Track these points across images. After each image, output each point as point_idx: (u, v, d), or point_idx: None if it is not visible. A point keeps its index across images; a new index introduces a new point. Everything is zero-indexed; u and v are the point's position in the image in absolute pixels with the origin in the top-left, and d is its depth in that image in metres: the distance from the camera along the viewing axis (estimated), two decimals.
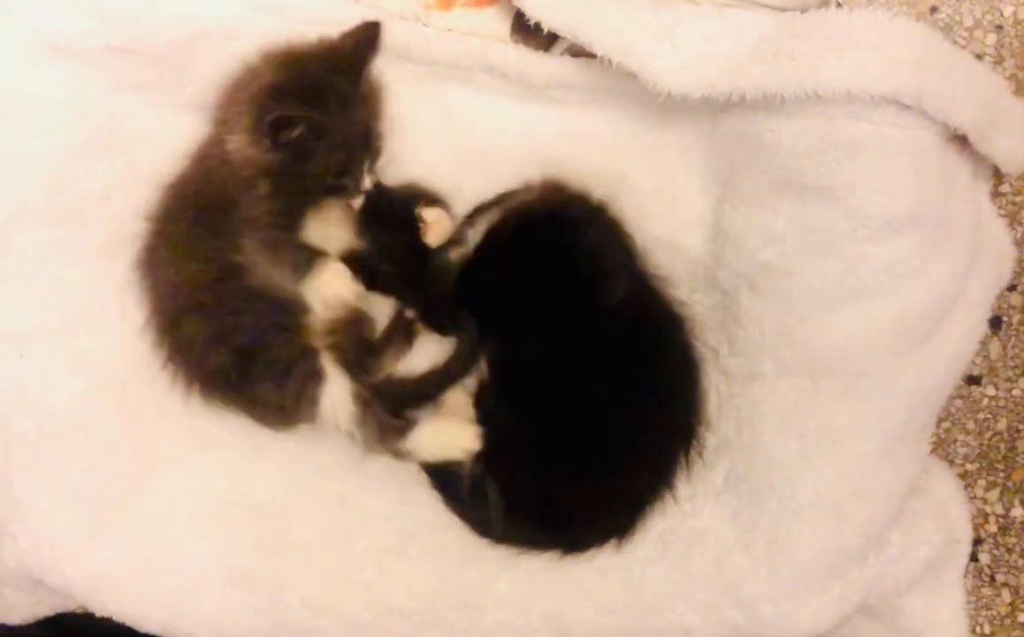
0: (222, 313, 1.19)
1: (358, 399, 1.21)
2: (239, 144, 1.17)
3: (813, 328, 1.14)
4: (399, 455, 1.24)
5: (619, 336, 1.18)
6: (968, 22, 1.26)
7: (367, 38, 1.20)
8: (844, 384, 1.14)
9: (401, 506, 1.29)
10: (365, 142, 1.20)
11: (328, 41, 1.20)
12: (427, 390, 1.30)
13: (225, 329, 1.19)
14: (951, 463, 1.34)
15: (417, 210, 1.23)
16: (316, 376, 1.20)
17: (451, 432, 1.25)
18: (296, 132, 1.13)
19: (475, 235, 1.23)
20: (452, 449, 1.24)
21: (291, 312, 1.21)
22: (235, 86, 1.20)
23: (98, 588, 1.23)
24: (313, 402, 1.20)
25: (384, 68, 1.22)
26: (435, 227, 1.23)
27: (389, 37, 1.20)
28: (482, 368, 1.30)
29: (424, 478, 1.30)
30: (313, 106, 1.14)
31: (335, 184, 1.19)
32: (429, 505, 1.29)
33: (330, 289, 1.21)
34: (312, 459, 1.30)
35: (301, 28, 1.21)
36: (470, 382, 1.31)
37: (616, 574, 1.24)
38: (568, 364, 1.18)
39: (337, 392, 1.20)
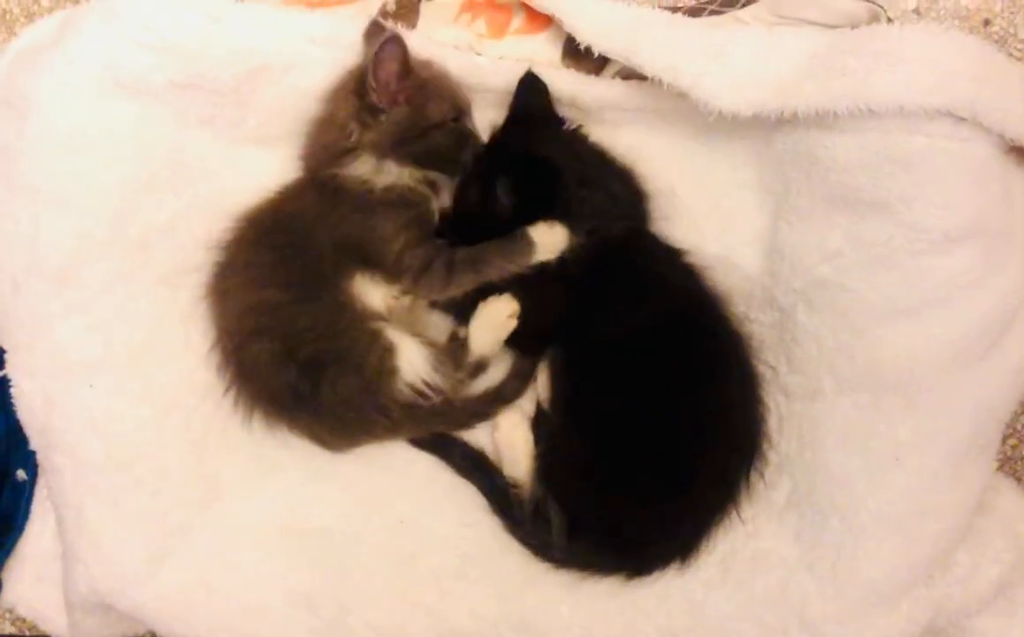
0: (288, 332, 1.22)
1: (430, 349, 1.26)
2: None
3: (872, 343, 1.13)
4: (475, 375, 1.31)
5: (682, 354, 1.18)
6: (1023, 34, 1.25)
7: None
8: (906, 399, 1.13)
9: (462, 529, 1.30)
10: None
11: None
12: (483, 410, 1.32)
13: (290, 347, 1.22)
14: (1019, 481, 1.31)
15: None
16: (390, 349, 1.23)
17: (496, 311, 1.27)
18: None
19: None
20: (503, 324, 1.28)
21: (350, 309, 1.24)
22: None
23: (165, 612, 1.25)
24: (392, 372, 1.23)
25: None
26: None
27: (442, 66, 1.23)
28: (540, 389, 1.31)
29: (484, 502, 1.31)
30: None
31: None
32: (490, 528, 1.30)
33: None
34: (372, 483, 1.32)
35: (356, 59, 1.24)
36: (528, 405, 1.32)
37: (678, 597, 1.23)
38: (631, 383, 1.18)
39: (412, 353, 1.24)
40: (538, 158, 1.21)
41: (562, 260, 1.21)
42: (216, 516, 1.28)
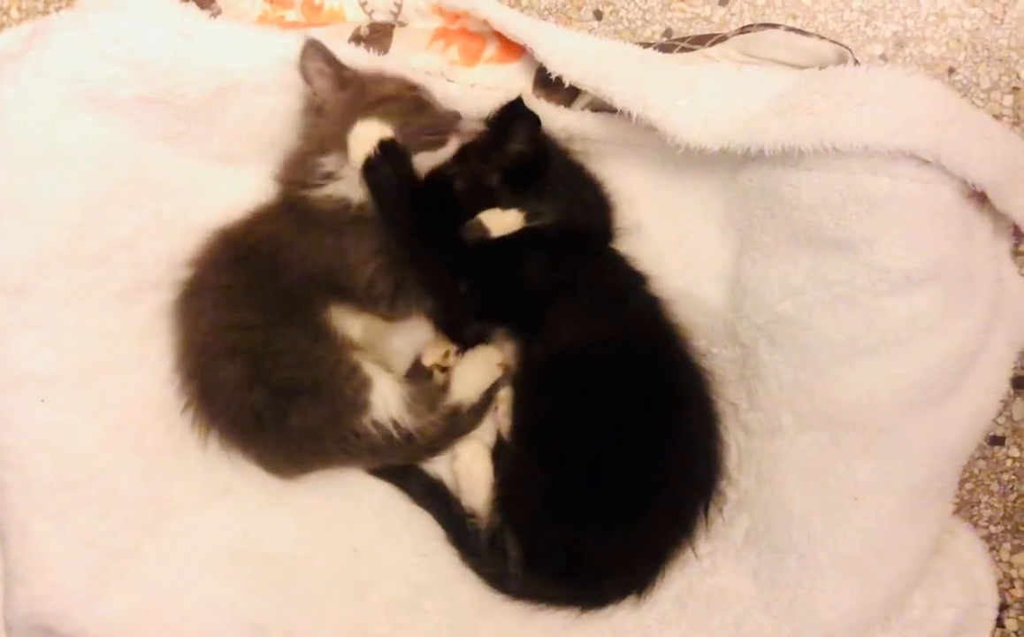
0: (261, 355, 1.21)
1: (406, 387, 1.25)
2: None
3: (832, 382, 1.14)
4: (451, 420, 1.29)
5: (642, 388, 1.18)
6: (985, 84, 1.28)
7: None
8: (865, 439, 1.13)
9: (416, 558, 1.29)
10: None
11: None
12: (440, 444, 1.30)
13: (261, 370, 1.20)
14: (975, 525, 1.32)
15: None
16: (366, 383, 1.22)
17: (483, 358, 1.29)
18: None
19: None
20: (489, 371, 1.29)
21: (328, 338, 1.24)
22: None
23: None
24: (364, 407, 1.22)
25: None
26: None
27: None
28: (500, 420, 1.30)
29: (440, 531, 1.29)
30: None
31: None
32: (445, 558, 1.28)
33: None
34: (327, 509, 1.30)
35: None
36: (488, 436, 1.31)
37: (633, 632, 1.22)
38: (590, 416, 1.17)
39: (387, 389, 1.23)
40: (534, 137, 1.20)
41: (527, 235, 1.20)
42: (165, 539, 1.25)
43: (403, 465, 1.31)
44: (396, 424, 1.23)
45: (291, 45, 1.22)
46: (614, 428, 1.17)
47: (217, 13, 1.25)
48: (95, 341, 1.23)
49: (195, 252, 1.26)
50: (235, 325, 1.22)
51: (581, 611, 1.22)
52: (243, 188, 1.29)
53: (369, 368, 1.24)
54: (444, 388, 1.29)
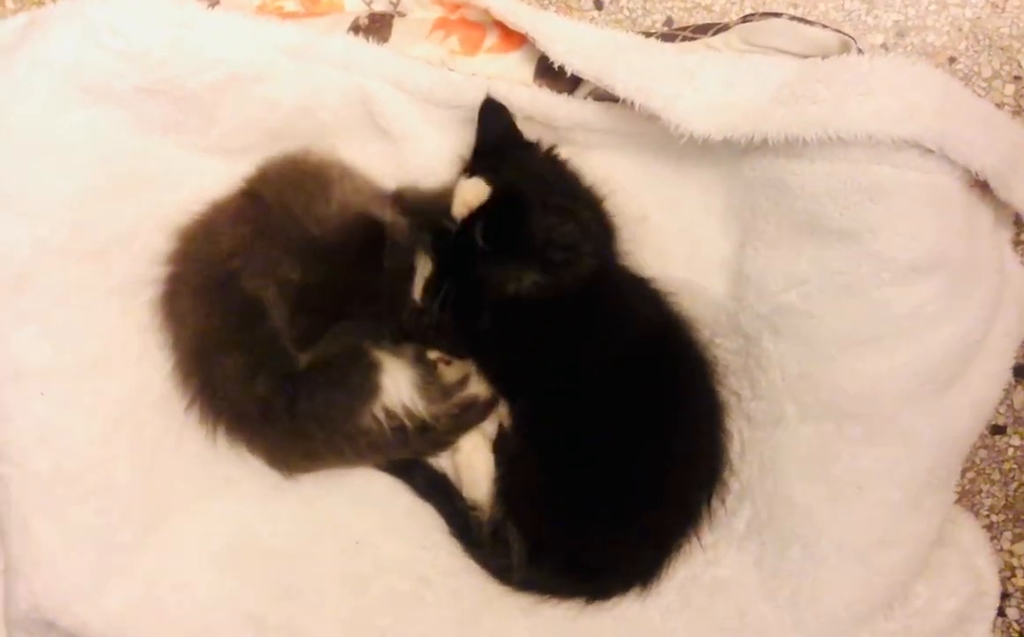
0: (257, 347, 1.20)
1: (417, 371, 1.25)
2: None
3: (836, 371, 1.14)
4: (465, 411, 1.28)
5: (646, 378, 1.18)
6: (987, 73, 1.27)
7: None
8: (868, 428, 1.13)
9: (419, 551, 1.29)
10: None
11: None
12: (444, 438, 1.30)
13: (263, 360, 1.20)
14: (976, 514, 1.33)
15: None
16: (375, 366, 1.22)
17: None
18: None
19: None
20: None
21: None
22: None
23: (110, 632, 1.20)
24: (374, 391, 1.22)
25: (409, 111, 1.23)
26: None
27: (413, 81, 1.22)
28: (501, 412, 1.29)
29: (443, 523, 1.29)
30: None
31: None
32: (448, 550, 1.28)
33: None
34: (328, 502, 1.30)
35: (327, 73, 1.23)
36: (489, 427, 1.31)
37: (637, 623, 1.22)
38: (594, 405, 1.17)
39: (397, 372, 1.23)
40: (505, 195, 1.18)
41: (531, 299, 1.18)
42: (165, 533, 1.25)
43: (407, 459, 1.31)
44: (408, 411, 1.23)
45: (289, 35, 1.21)
46: (617, 418, 1.16)
47: (215, 3, 1.23)
48: (94, 335, 1.22)
49: (171, 249, 1.26)
50: (214, 329, 1.21)
51: (586, 603, 1.22)
52: (242, 179, 1.28)
53: (378, 352, 1.23)
54: (461, 382, 1.29)
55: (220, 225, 1.24)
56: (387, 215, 1.22)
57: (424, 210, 1.25)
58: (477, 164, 1.22)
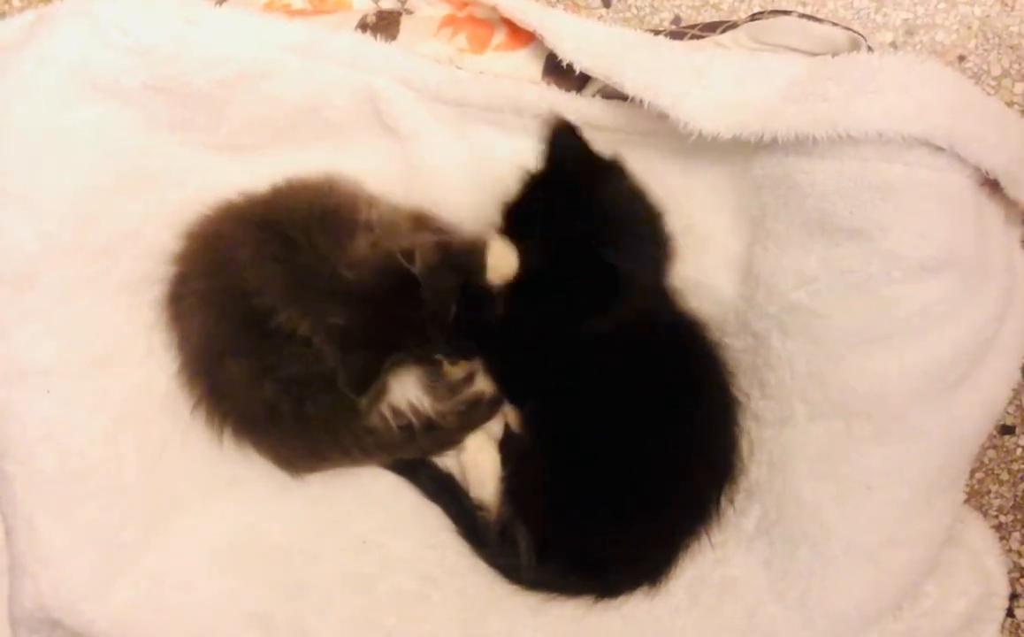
0: (265, 353, 1.20)
1: (419, 366, 1.24)
2: None
3: (845, 370, 1.13)
4: (472, 408, 1.28)
5: (657, 375, 1.17)
6: (996, 72, 1.27)
7: None
8: (878, 428, 1.13)
9: (425, 550, 1.28)
10: None
11: None
12: (449, 438, 1.30)
13: (270, 365, 1.19)
14: (985, 514, 1.32)
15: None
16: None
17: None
18: None
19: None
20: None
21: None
22: None
23: (116, 630, 1.20)
24: (380, 391, 1.22)
25: (416, 109, 1.23)
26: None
27: (421, 79, 1.22)
28: (508, 411, 1.29)
29: (449, 522, 1.29)
30: None
31: None
32: (454, 549, 1.28)
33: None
34: (334, 500, 1.30)
35: (334, 70, 1.22)
36: (495, 426, 1.31)
37: (645, 623, 1.22)
38: (604, 405, 1.16)
39: (403, 372, 1.23)
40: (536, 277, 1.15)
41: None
42: (171, 532, 1.25)
43: (414, 459, 1.31)
44: (415, 408, 1.22)
45: (297, 33, 1.21)
46: (627, 416, 1.15)
47: (222, 0, 1.23)
48: (100, 333, 1.22)
49: (178, 250, 1.25)
50: (221, 333, 1.21)
51: (594, 602, 1.22)
52: (249, 178, 1.28)
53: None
54: (466, 379, 1.28)
55: (233, 242, 1.22)
56: (418, 265, 1.18)
57: (456, 264, 1.22)
58: (510, 224, 1.18)
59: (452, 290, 1.20)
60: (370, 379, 1.17)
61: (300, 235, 1.19)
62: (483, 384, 1.29)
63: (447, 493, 1.29)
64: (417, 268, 1.16)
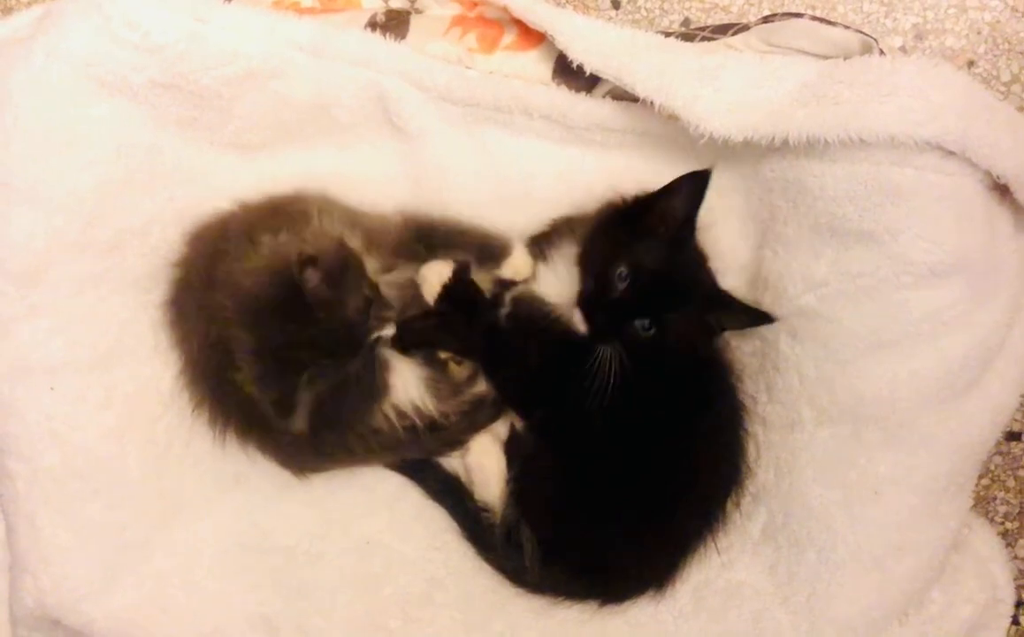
0: (268, 354, 1.18)
1: (423, 367, 1.24)
2: None
3: (854, 375, 1.13)
4: (475, 409, 1.28)
5: (663, 380, 1.16)
6: (1006, 77, 1.27)
7: None
8: (886, 433, 1.13)
9: (430, 552, 1.28)
10: None
11: None
12: (455, 438, 1.30)
13: (272, 367, 1.17)
14: (991, 521, 1.32)
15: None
16: (385, 365, 1.22)
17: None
18: None
19: None
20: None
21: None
22: None
23: (117, 631, 1.20)
24: (384, 390, 1.21)
25: (425, 108, 1.22)
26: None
27: (430, 78, 1.21)
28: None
29: (454, 524, 1.29)
30: None
31: None
32: (458, 551, 1.28)
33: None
34: (338, 501, 1.30)
35: (343, 69, 1.22)
36: (500, 428, 1.31)
37: (650, 627, 1.22)
38: (612, 411, 1.14)
39: (404, 369, 1.23)
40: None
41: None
42: (175, 532, 1.25)
43: (420, 460, 1.30)
44: (418, 409, 1.22)
45: (305, 31, 1.20)
46: (634, 419, 1.15)
47: None
48: (106, 330, 1.22)
49: (180, 251, 1.25)
50: (227, 336, 1.20)
51: (599, 606, 1.21)
52: (257, 176, 1.28)
53: (388, 351, 1.22)
54: (470, 379, 1.28)
55: (222, 251, 1.21)
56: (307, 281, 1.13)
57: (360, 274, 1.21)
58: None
59: (357, 300, 1.17)
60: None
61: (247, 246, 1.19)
62: (486, 385, 1.29)
63: (452, 495, 1.29)
64: (314, 275, 1.12)
